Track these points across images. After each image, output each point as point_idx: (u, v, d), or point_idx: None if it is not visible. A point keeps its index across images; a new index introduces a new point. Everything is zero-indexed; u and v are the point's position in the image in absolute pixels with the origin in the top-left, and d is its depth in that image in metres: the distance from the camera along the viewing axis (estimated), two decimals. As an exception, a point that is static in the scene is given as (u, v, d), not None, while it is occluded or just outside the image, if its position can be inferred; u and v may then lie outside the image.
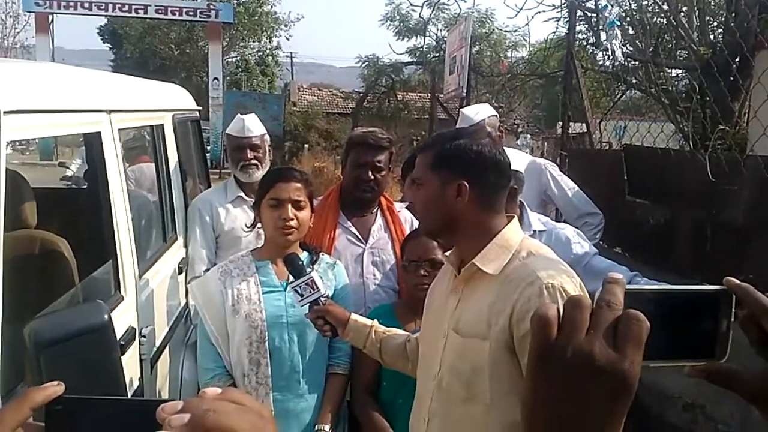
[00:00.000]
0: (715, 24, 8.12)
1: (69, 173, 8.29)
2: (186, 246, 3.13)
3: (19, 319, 1.24)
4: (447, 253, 1.75)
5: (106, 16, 21.94)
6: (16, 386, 1.42)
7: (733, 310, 0.65)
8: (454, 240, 1.68)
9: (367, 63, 18.64)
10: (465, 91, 8.60)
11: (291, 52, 35.45)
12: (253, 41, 30.52)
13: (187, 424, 0.51)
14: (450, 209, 1.58)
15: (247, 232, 2.51)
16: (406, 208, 2.86)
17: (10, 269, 1.52)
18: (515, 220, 1.65)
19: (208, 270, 2.77)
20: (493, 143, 1.63)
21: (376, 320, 1.98)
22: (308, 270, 1.96)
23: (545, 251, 1.60)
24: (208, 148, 15.39)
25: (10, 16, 27.14)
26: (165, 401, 0.55)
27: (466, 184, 1.56)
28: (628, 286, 0.62)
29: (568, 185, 3.51)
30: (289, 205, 2.17)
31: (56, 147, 17.38)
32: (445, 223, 1.62)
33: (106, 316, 1.26)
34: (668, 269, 3.14)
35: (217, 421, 0.51)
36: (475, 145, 1.58)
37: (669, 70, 7.12)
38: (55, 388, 0.67)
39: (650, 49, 6.83)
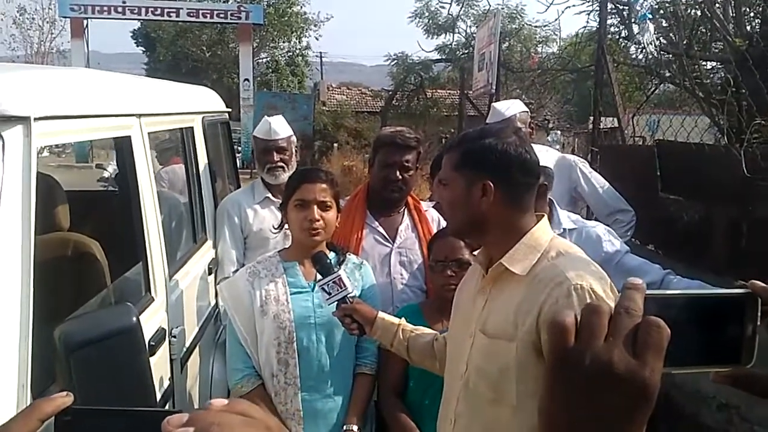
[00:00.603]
0: (752, 14, 7.91)
1: (106, 175, 8.47)
2: (215, 247, 3.16)
3: (53, 321, 1.26)
4: (475, 253, 1.74)
5: (139, 19, 22.28)
6: (47, 387, 1.45)
7: (759, 313, 0.63)
8: (481, 240, 1.66)
9: (395, 61, 18.59)
10: (494, 87, 8.53)
11: (320, 52, 35.65)
12: (283, 42, 30.74)
13: None
14: (476, 209, 1.56)
15: (275, 233, 2.53)
16: (433, 207, 2.85)
17: (43, 271, 1.55)
18: (545, 219, 1.63)
19: (237, 270, 2.80)
20: (520, 141, 1.60)
21: (403, 319, 1.98)
22: (335, 269, 1.97)
23: (575, 251, 1.57)
24: (239, 149, 15.54)
25: (47, 22, 27.81)
26: (174, 412, 0.55)
27: (491, 184, 1.54)
28: (648, 291, 0.60)
29: (599, 182, 3.46)
30: (315, 206, 2.18)
31: (91, 149, 17.73)
32: (472, 223, 1.60)
33: (134, 319, 1.28)
34: (702, 267, 3.07)
35: None
36: (500, 144, 1.56)
37: (703, 63, 6.95)
38: (63, 399, 0.67)
39: (684, 42, 6.68)
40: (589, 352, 0.57)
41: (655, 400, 0.57)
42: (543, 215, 1.64)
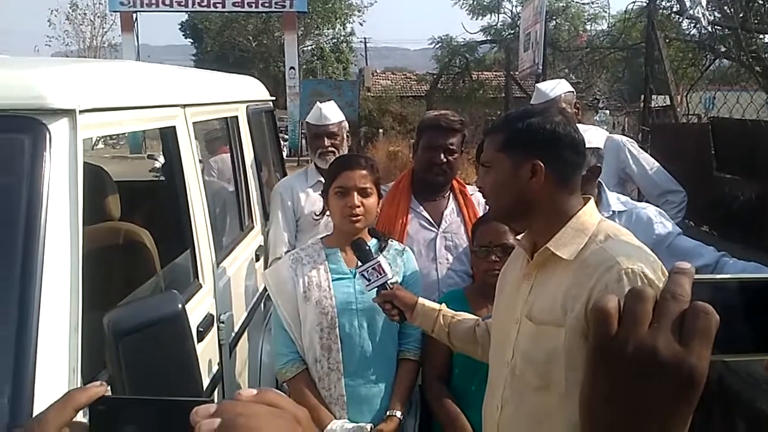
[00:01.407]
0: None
1: (157, 165, 8.68)
2: (266, 230, 3.21)
3: (104, 308, 1.30)
4: (518, 237, 1.70)
5: (186, 11, 22.64)
6: (98, 372, 1.49)
7: None
8: (526, 224, 1.62)
9: (440, 44, 18.44)
10: (540, 67, 8.38)
11: (365, 38, 35.65)
12: (328, 29, 30.85)
13: (217, 429, 0.51)
14: (524, 191, 1.52)
15: (316, 219, 2.54)
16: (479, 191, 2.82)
17: (93, 260, 1.59)
18: (591, 201, 1.58)
19: (289, 251, 2.84)
20: (566, 120, 1.56)
21: (444, 304, 1.96)
22: (375, 255, 1.96)
23: (624, 234, 1.51)
24: (286, 136, 15.68)
25: (98, 17, 28.51)
26: (203, 402, 0.55)
27: (541, 164, 1.49)
28: (697, 276, 0.57)
29: (648, 162, 3.35)
30: (355, 193, 2.17)
31: (144, 140, 18.18)
32: (519, 206, 1.55)
33: (179, 306, 1.30)
34: (760, 249, 2.95)
35: (247, 426, 0.51)
36: (548, 123, 1.51)
37: (761, 36, 6.66)
38: (97, 389, 0.68)
39: (740, 15, 6.41)
40: (633, 339, 0.55)
41: (702, 389, 0.55)
42: (590, 198, 1.59)
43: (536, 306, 1.53)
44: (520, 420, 1.57)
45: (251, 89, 3.83)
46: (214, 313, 2.39)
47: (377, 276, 1.91)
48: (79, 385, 1.37)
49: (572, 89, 3.40)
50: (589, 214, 1.54)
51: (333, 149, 3.16)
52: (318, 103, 3.30)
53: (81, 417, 0.69)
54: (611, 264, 1.39)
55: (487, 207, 2.69)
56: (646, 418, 0.55)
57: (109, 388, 0.69)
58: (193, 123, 2.43)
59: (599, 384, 0.58)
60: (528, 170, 1.51)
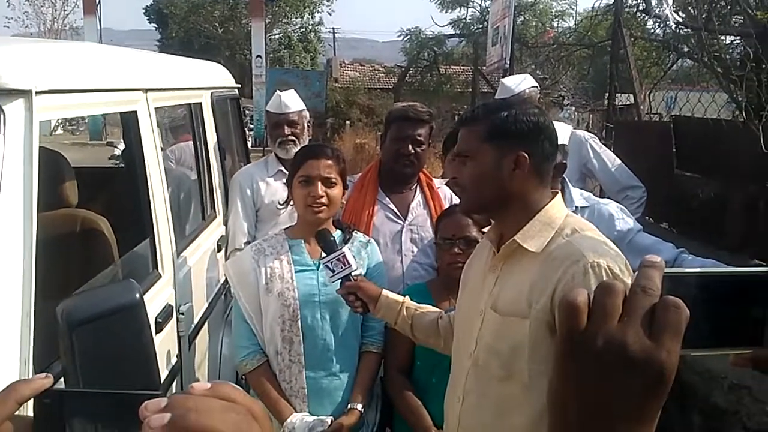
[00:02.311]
0: (774, -13, 7.70)
1: (117, 152, 8.50)
2: (226, 220, 3.16)
3: (59, 297, 1.25)
4: (485, 230, 1.70)
5: (151, -5, 22.18)
6: (51, 363, 1.45)
7: None
8: (497, 216, 1.62)
9: (409, 36, 18.41)
10: (508, 62, 8.42)
11: (333, 28, 35.32)
12: (296, 17, 30.53)
13: (167, 424, 0.49)
14: (506, 183, 1.52)
15: (280, 208, 2.51)
16: (446, 184, 2.81)
17: (49, 247, 1.54)
18: (559, 196, 1.59)
19: (248, 243, 2.79)
20: (542, 112, 1.58)
21: (407, 297, 1.96)
22: (339, 246, 1.94)
23: (590, 229, 1.53)
24: (251, 126, 15.51)
25: (60, -1, 27.71)
26: (153, 395, 0.53)
27: (525, 155, 1.50)
28: (667, 270, 0.57)
29: (609, 158, 3.40)
30: (320, 183, 2.15)
31: (105, 127, 17.79)
32: (498, 198, 1.55)
33: (137, 295, 1.26)
34: (718, 246, 3.03)
35: (198, 422, 0.49)
36: (530, 115, 1.53)
37: (722, 37, 6.80)
38: (42, 381, 0.65)
39: (703, 15, 6.53)
40: (602, 333, 0.54)
41: (671, 384, 0.54)
42: (557, 192, 1.61)
43: (501, 298, 1.53)
44: (481, 411, 1.58)
45: (216, 75, 3.76)
46: (174, 304, 2.35)
47: (341, 267, 1.90)
48: (30, 377, 1.33)
49: (537, 85, 3.44)
50: (556, 208, 1.55)
51: (293, 138, 3.13)
52: (278, 91, 3.26)
53: (25, 410, 0.66)
54: (577, 258, 1.40)
55: (459, 199, 2.70)
56: (615, 413, 0.55)
57: (61, 379, 0.66)
58: (155, 108, 2.37)
59: (569, 379, 0.57)
60: (512, 161, 1.51)
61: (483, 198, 1.59)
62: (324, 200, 2.15)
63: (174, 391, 2.31)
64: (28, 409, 0.69)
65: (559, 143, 1.63)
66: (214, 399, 0.52)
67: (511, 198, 1.54)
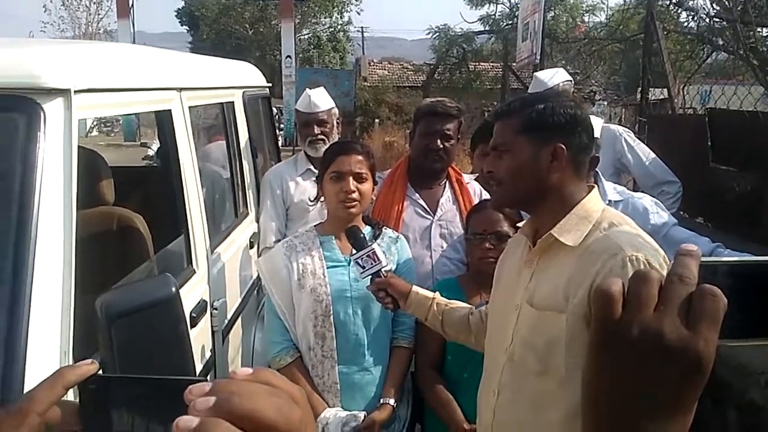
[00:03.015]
0: (813, -24, 7.49)
1: (150, 153, 8.65)
2: (257, 218, 3.19)
3: (96, 292, 1.28)
4: (520, 225, 1.69)
5: (183, -2, 22.44)
6: (90, 355, 1.48)
7: None
8: (534, 210, 1.61)
9: (438, 34, 18.35)
10: (539, 57, 8.35)
11: (362, 27, 35.36)
12: (325, 17, 30.62)
13: (212, 407, 0.50)
14: (544, 175, 1.51)
15: (311, 205, 2.53)
16: (478, 179, 2.81)
17: (87, 244, 1.58)
18: (595, 189, 1.58)
19: (279, 241, 2.82)
20: (578, 104, 1.56)
21: (437, 293, 1.96)
22: (369, 243, 1.95)
23: (627, 223, 1.51)
24: (282, 125, 15.62)
25: (94, 3, 28.24)
26: (197, 380, 0.54)
27: (563, 147, 1.49)
28: (703, 258, 0.56)
29: (644, 152, 3.35)
30: (351, 178, 2.16)
31: (139, 128, 18.09)
32: (535, 191, 1.54)
33: (173, 289, 1.28)
34: (754, 240, 2.96)
35: (242, 405, 0.50)
36: (567, 107, 1.52)
37: (759, 29, 6.64)
38: (88, 367, 0.66)
39: (739, 7, 6.38)
40: (638, 322, 0.54)
41: (709, 373, 0.54)
42: (593, 186, 1.59)
43: (538, 292, 1.52)
44: (517, 405, 1.57)
45: (248, 75, 3.80)
46: (208, 300, 2.38)
47: (371, 263, 1.91)
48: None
49: (570, 78, 3.40)
50: (593, 202, 1.53)
51: (323, 137, 3.12)
52: (307, 89, 3.27)
53: (71, 396, 0.68)
54: (615, 251, 1.38)
55: (489, 194, 2.69)
56: (652, 404, 0.54)
57: (98, 366, 0.68)
58: (189, 107, 2.41)
59: (603, 370, 0.56)
60: (549, 154, 1.50)
61: (520, 191, 1.58)
62: (356, 195, 2.16)
63: (206, 378, 2.34)
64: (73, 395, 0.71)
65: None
66: (256, 384, 0.53)
67: (548, 191, 1.53)
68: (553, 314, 1.46)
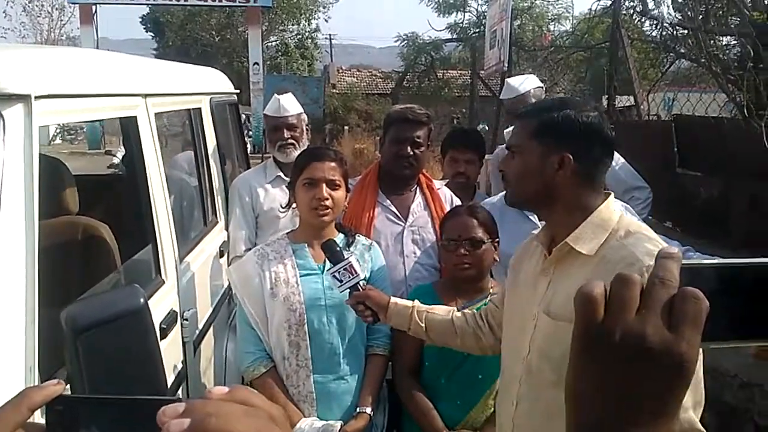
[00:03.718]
0: (770, -14, 7.71)
1: (115, 161, 8.50)
2: (227, 227, 3.14)
3: (61, 305, 1.23)
4: (535, 232, 1.68)
5: (147, 4, 22.25)
6: (56, 370, 1.43)
7: None
8: (546, 216, 1.60)
9: (406, 41, 18.45)
10: (506, 65, 8.44)
11: (330, 34, 35.41)
12: (292, 24, 30.57)
13: (186, 430, 0.47)
14: (548, 182, 1.50)
15: (283, 212, 2.50)
16: (446, 185, 2.81)
17: (51, 254, 1.52)
18: (612, 197, 1.55)
19: (249, 250, 2.78)
20: (601, 117, 1.54)
21: (416, 300, 1.94)
22: (346, 255, 1.93)
23: (644, 230, 1.49)
24: (250, 132, 15.52)
25: (56, 9, 27.80)
26: (170, 401, 0.52)
27: (570, 158, 1.47)
28: (684, 261, 0.56)
29: (614, 158, 3.38)
30: (324, 185, 2.14)
31: (103, 136, 17.79)
32: (540, 196, 1.53)
33: (141, 300, 1.24)
34: (721, 244, 3.01)
35: (218, 427, 0.47)
36: (584, 116, 1.49)
37: (720, 38, 6.81)
38: (54, 388, 0.63)
39: (700, 16, 6.54)
40: (620, 325, 0.53)
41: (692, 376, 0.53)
42: (610, 192, 1.56)
43: (554, 302, 1.51)
44: (535, 416, 1.55)
45: (215, 81, 3.75)
46: (178, 310, 2.33)
47: (349, 277, 1.88)
48: (36, 384, 1.31)
49: (541, 85, 3.43)
50: (609, 210, 1.51)
51: (293, 141, 3.10)
52: (276, 94, 3.24)
53: (38, 417, 0.65)
54: (632, 261, 1.37)
55: (456, 201, 2.69)
56: (635, 408, 0.53)
57: (67, 386, 0.64)
58: (155, 114, 2.36)
59: (585, 373, 0.56)
60: (555, 162, 1.48)
61: (525, 194, 1.57)
62: (329, 203, 2.14)
63: (180, 397, 2.29)
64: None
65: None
66: (233, 403, 0.51)
67: (556, 197, 1.51)
68: (569, 324, 1.43)
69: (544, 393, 1.53)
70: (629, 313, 0.54)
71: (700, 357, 1.29)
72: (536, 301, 1.56)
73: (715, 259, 0.61)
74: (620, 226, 1.48)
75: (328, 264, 1.94)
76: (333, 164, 2.18)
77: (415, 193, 2.68)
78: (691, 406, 1.28)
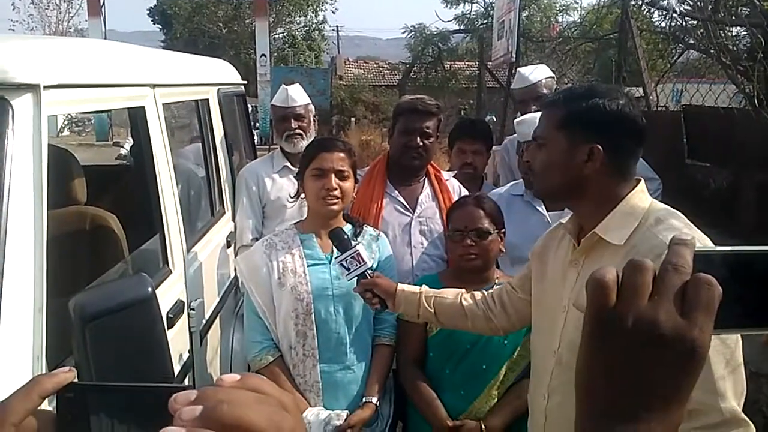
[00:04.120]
0: (781, -24, 7.62)
1: (123, 152, 8.52)
2: (234, 217, 3.15)
3: (70, 293, 1.24)
4: (563, 221, 1.63)
5: (154, -4, 22.17)
6: (64, 358, 1.44)
7: None
8: (574, 206, 1.55)
9: (413, 33, 18.37)
10: (514, 56, 8.40)
11: (337, 26, 35.39)
12: (299, 16, 30.53)
13: (198, 417, 0.47)
14: (576, 174, 1.45)
15: (291, 201, 2.50)
16: (455, 176, 2.80)
17: (59, 244, 1.53)
18: (642, 184, 1.50)
19: (256, 239, 2.78)
20: (632, 104, 1.47)
21: (424, 285, 1.94)
22: (353, 243, 1.93)
23: (675, 217, 1.43)
24: (257, 124, 15.53)
25: (64, 1, 27.81)
26: (181, 388, 0.52)
27: (600, 149, 1.42)
28: (698, 248, 0.55)
29: None
30: (333, 175, 2.14)
31: (111, 128, 17.84)
32: (567, 188, 1.48)
33: (149, 289, 1.25)
34: (731, 235, 2.99)
35: (231, 414, 0.47)
36: (613, 104, 1.43)
37: (730, 28, 6.74)
38: (65, 375, 0.63)
39: (710, 7, 6.47)
40: (633, 311, 0.53)
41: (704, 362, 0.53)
42: (640, 180, 1.51)
43: (584, 294, 1.48)
44: (568, 408, 1.54)
45: (222, 72, 3.75)
46: (185, 300, 2.34)
47: (356, 265, 1.88)
48: (44, 372, 1.32)
49: (552, 75, 3.40)
50: (638, 197, 1.46)
51: (300, 132, 3.10)
52: (284, 84, 3.24)
53: (47, 405, 0.65)
54: (662, 250, 1.33)
55: (464, 191, 2.68)
56: (647, 393, 0.53)
57: (76, 374, 0.64)
58: (163, 104, 2.36)
59: (597, 359, 0.56)
60: (584, 153, 1.43)
61: (552, 186, 1.52)
62: (337, 192, 2.14)
63: (191, 385, 2.30)
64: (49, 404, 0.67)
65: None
66: (244, 391, 0.51)
67: (585, 189, 1.46)
68: None
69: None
70: (642, 299, 0.53)
71: (740, 346, 1.28)
72: (566, 293, 1.53)
73: (727, 246, 0.60)
74: (650, 213, 1.43)
75: (335, 253, 1.94)
76: (342, 155, 2.18)
77: (424, 184, 2.68)
78: (732, 396, 1.25)
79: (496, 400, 2.12)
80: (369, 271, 1.91)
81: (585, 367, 0.57)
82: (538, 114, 1.64)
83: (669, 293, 0.53)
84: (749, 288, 0.56)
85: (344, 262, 1.90)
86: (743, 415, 1.25)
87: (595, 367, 0.56)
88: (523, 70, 3.48)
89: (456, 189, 2.71)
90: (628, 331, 0.53)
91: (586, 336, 0.57)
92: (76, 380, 0.65)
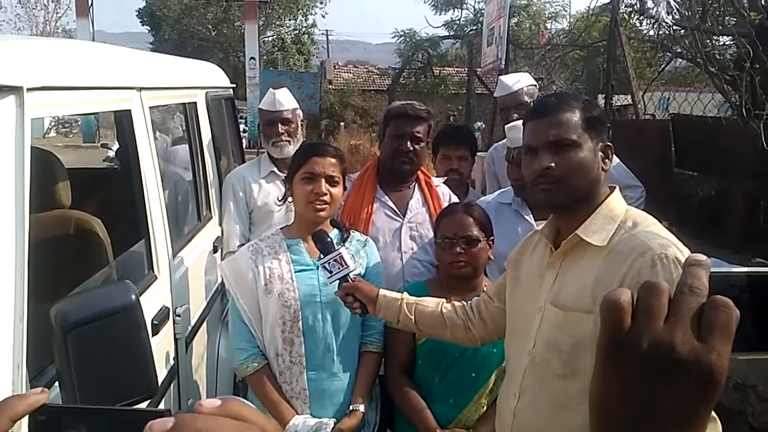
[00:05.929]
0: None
1: (111, 154, 8.46)
2: (221, 222, 3.12)
3: (52, 300, 1.21)
4: (539, 227, 1.68)
5: (143, -2, 22.08)
6: (45, 367, 1.41)
7: None
8: (577, 209, 1.54)
9: (403, 38, 18.42)
10: (503, 62, 8.42)
11: (327, 30, 35.41)
12: (289, 19, 30.57)
13: None
14: (597, 174, 1.51)
15: (278, 206, 2.48)
16: (444, 182, 2.79)
17: (42, 249, 1.50)
18: (617, 189, 1.57)
19: (243, 245, 2.75)
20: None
21: (405, 293, 1.94)
22: (337, 246, 1.91)
23: (652, 223, 1.50)
24: (245, 128, 15.47)
25: (52, 1, 27.63)
26: (158, 413, 0.49)
27: (612, 146, 1.51)
28: (714, 269, 0.54)
29: None
30: (323, 180, 2.12)
31: (98, 129, 17.72)
32: (590, 188, 1.52)
33: (133, 297, 1.23)
34: (718, 244, 3.01)
35: None
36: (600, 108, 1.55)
37: (717, 38, 6.81)
38: (37, 397, 0.61)
39: (697, 16, 6.53)
40: (648, 334, 0.51)
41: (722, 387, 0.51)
42: (615, 186, 1.58)
43: (563, 293, 1.52)
44: (539, 407, 1.56)
45: (211, 75, 3.72)
46: (170, 306, 2.30)
47: (339, 268, 1.88)
48: (24, 382, 1.29)
49: (535, 83, 3.42)
50: (616, 202, 1.53)
51: (288, 137, 3.07)
52: (271, 89, 3.21)
53: (19, 428, 0.62)
54: (643, 250, 1.38)
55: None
56: (662, 418, 0.52)
57: (48, 395, 0.62)
58: (150, 107, 2.33)
59: (611, 382, 0.54)
60: (601, 152, 1.51)
61: (581, 188, 1.52)
62: (326, 198, 2.12)
63: (171, 395, 2.27)
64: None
65: None
66: (224, 418, 0.49)
67: (594, 190, 1.52)
68: (580, 314, 1.45)
69: (549, 385, 1.53)
70: (657, 322, 0.52)
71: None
72: (542, 294, 1.56)
73: (744, 268, 0.59)
74: (628, 217, 1.49)
75: (321, 255, 1.93)
76: (333, 160, 2.16)
77: (414, 189, 2.67)
78: None
79: (485, 408, 2.11)
80: (351, 275, 1.90)
81: (599, 390, 0.55)
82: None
83: (685, 316, 0.51)
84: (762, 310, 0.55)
85: (326, 265, 1.90)
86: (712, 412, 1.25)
87: (609, 390, 0.54)
88: (505, 78, 3.50)
89: (446, 195, 2.71)
90: (643, 355, 0.51)
91: (601, 359, 0.55)
92: (51, 401, 0.63)
